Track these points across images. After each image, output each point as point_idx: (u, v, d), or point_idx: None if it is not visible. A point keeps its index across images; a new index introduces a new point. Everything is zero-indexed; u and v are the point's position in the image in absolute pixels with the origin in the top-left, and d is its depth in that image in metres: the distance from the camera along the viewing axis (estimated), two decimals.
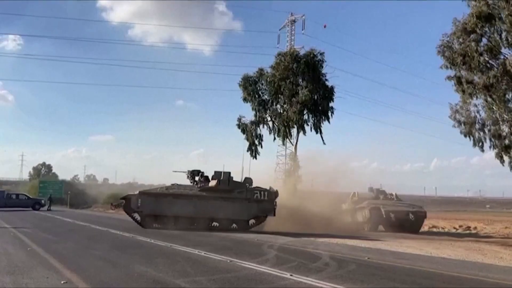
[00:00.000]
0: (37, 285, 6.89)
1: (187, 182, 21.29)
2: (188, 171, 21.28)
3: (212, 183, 20.29)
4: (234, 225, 19.85)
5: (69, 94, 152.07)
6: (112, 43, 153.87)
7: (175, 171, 21.93)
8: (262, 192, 19.74)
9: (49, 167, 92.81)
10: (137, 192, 20.65)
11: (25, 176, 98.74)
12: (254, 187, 20.12)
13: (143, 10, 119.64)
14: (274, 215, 19.84)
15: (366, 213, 23.54)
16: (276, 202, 19.92)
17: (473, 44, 18.06)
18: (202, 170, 21.10)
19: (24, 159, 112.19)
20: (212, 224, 19.81)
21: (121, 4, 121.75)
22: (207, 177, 20.86)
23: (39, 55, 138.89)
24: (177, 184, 21.15)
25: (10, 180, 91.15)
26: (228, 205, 19.49)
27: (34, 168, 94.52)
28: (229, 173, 20.49)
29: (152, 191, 21.05)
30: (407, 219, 22.36)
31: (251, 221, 20.14)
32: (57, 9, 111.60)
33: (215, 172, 20.56)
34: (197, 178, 20.89)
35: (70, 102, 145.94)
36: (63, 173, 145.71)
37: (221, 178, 20.14)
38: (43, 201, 41.29)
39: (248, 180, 20.82)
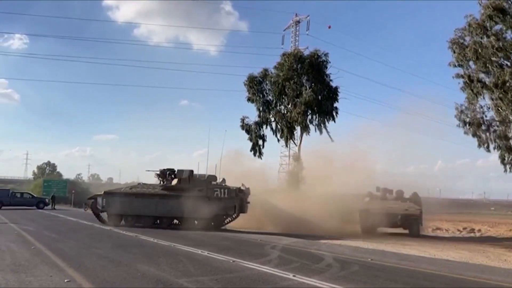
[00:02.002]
0: (41, 283, 6.92)
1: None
2: (160, 170, 21.17)
3: (174, 181, 20.40)
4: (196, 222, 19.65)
5: (74, 93, 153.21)
6: (117, 43, 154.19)
7: (148, 170, 22.02)
8: (222, 190, 19.51)
9: (53, 166, 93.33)
10: (102, 192, 21.21)
11: (30, 175, 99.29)
12: (215, 185, 19.86)
13: (148, 9, 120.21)
14: (240, 212, 19.62)
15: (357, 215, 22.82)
16: (247, 200, 20.00)
17: (486, 39, 17.68)
18: (174, 169, 20.95)
19: (28, 158, 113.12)
20: (174, 222, 19.94)
21: (127, 3, 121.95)
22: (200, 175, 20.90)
23: (44, 54, 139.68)
24: (143, 183, 21.83)
25: (14, 178, 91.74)
26: (188, 203, 19.27)
27: (38, 167, 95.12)
28: (191, 171, 20.42)
29: (116, 191, 21.65)
30: (395, 221, 21.32)
31: (227, 219, 20.24)
32: (62, 8, 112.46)
33: (178, 170, 20.62)
34: (164, 177, 20.92)
35: (75, 101, 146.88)
36: (67, 172, 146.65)
37: (182, 176, 20.23)
38: (47, 200, 41.46)
39: (212, 178, 20.59)
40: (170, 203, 19.68)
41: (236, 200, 19.48)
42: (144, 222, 19.67)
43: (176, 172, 20.76)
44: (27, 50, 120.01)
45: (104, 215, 21.11)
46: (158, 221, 19.92)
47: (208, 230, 18.46)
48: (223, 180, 20.53)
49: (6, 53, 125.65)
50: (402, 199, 22.94)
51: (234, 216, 20.16)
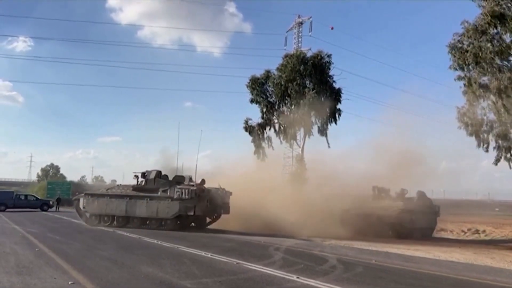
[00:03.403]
0: (45, 285, 6.94)
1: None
2: (142, 172, 21.34)
3: (143, 182, 20.92)
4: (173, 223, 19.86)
5: (78, 95, 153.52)
6: (121, 45, 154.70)
7: (134, 172, 22.04)
8: (183, 190, 19.57)
9: (57, 168, 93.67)
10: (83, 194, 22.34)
11: (34, 177, 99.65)
12: (180, 186, 20.00)
13: (152, 10, 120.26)
14: (197, 214, 19.53)
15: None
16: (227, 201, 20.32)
17: (485, 44, 17.69)
18: (160, 170, 21.31)
19: (32, 160, 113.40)
20: (147, 223, 20.18)
21: (130, 4, 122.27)
22: (165, 176, 21.24)
23: (48, 57, 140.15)
24: (120, 185, 22.93)
25: (19, 181, 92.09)
26: (153, 204, 19.93)
27: (42, 169, 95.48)
28: (157, 171, 20.86)
29: (95, 192, 22.68)
30: (372, 222, 19.94)
31: (209, 220, 20.88)
32: (66, 10, 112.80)
33: (146, 171, 21.06)
34: (141, 178, 21.23)
35: (78, 103, 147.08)
36: (71, 174, 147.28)
37: (149, 177, 20.73)
38: (51, 202, 41.61)
39: (179, 178, 20.92)
40: (138, 204, 20.26)
41: (196, 200, 19.42)
42: (117, 222, 20.45)
43: (162, 174, 21.21)
44: (31, 52, 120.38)
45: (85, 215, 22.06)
46: (130, 222, 20.36)
47: (175, 230, 18.91)
48: (202, 180, 20.63)
49: (11, 56, 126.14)
50: (402, 198, 21.92)
51: (214, 217, 21.04)
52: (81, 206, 22.01)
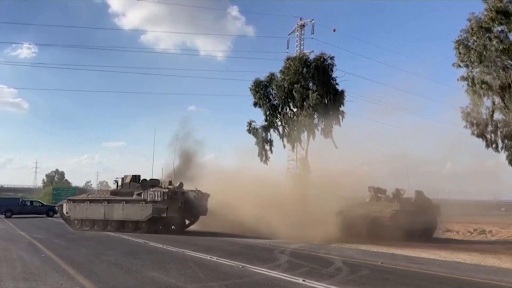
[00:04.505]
0: None
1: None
2: (121, 178, 22.20)
3: (119, 187, 21.83)
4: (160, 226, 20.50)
5: (82, 101, 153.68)
6: (125, 51, 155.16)
7: (117, 178, 23.01)
8: (157, 193, 20.16)
9: (62, 174, 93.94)
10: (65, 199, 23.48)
11: (39, 183, 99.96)
12: (153, 189, 20.60)
13: (155, 15, 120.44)
14: (170, 215, 19.92)
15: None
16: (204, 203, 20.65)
17: (490, 42, 17.58)
18: (137, 175, 22.05)
19: (37, 166, 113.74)
20: (124, 225, 20.69)
21: (133, 9, 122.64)
22: (144, 180, 21.96)
23: (52, 63, 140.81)
24: (100, 190, 24.30)
25: (24, 187, 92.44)
26: (129, 207, 20.67)
27: (47, 175, 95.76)
28: (133, 176, 21.65)
29: (76, 197, 23.85)
30: (366, 224, 19.00)
31: (188, 222, 21.62)
32: (69, 16, 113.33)
33: (124, 175, 21.94)
34: (120, 183, 22.05)
35: (83, 109, 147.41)
36: (76, 180, 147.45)
37: (125, 181, 21.65)
38: (56, 208, 41.72)
39: (153, 181, 21.82)
40: (115, 208, 20.98)
41: (168, 202, 19.92)
42: (98, 226, 21.19)
43: (141, 178, 22.00)
44: (35, 59, 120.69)
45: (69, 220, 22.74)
46: (109, 226, 21.00)
47: (150, 232, 19.41)
48: (181, 184, 21.43)
49: (15, 63, 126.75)
50: (398, 199, 20.65)
51: (193, 219, 21.76)
52: (64, 211, 22.88)
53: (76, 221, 22.02)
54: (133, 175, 21.68)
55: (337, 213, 20.14)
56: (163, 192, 20.03)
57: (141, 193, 20.62)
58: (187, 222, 22.00)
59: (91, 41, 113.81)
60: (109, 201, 21.27)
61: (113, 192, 21.83)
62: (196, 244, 14.92)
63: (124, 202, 20.76)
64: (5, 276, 8.34)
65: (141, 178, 21.95)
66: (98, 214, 21.25)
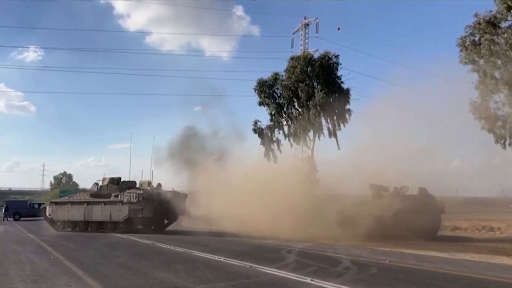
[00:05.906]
0: None
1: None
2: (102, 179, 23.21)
3: (98, 189, 22.65)
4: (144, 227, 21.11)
5: (89, 103, 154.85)
6: (130, 52, 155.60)
7: (98, 180, 24.11)
8: (132, 194, 20.84)
9: (69, 176, 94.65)
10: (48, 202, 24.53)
11: (47, 185, 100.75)
12: (129, 190, 21.24)
13: (160, 15, 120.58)
14: (145, 216, 20.47)
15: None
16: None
17: (498, 37, 17.43)
18: (118, 177, 22.87)
19: (45, 169, 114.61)
20: (103, 226, 21.39)
21: (138, 10, 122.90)
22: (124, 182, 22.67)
23: (58, 66, 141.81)
24: (80, 192, 25.37)
25: (32, 190, 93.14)
26: (107, 208, 21.37)
27: (54, 178, 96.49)
28: (111, 178, 22.43)
29: (59, 200, 24.80)
30: (368, 223, 19.20)
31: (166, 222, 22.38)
32: (74, 19, 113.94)
33: (103, 178, 23.01)
34: (100, 184, 22.93)
35: (89, 111, 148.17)
36: (83, 182, 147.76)
37: (103, 183, 22.49)
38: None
39: (130, 183, 22.45)
40: (94, 209, 21.69)
41: (143, 203, 20.59)
42: (79, 227, 21.95)
43: (121, 180, 22.76)
44: (41, 62, 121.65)
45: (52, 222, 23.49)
46: (89, 227, 21.77)
47: (129, 232, 19.95)
48: (159, 185, 22.21)
49: (22, 67, 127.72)
50: (400, 196, 19.88)
51: (170, 219, 22.45)
52: (47, 213, 23.58)
53: (58, 223, 22.83)
54: (111, 178, 22.54)
55: (337, 212, 20.00)
56: (138, 194, 20.81)
57: (118, 194, 21.34)
58: (165, 221, 22.65)
59: (97, 43, 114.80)
60: (88, 203, 22.05)
61: (93, 194, 22.68)
62: (203, 244, 14.93)
63: (103, 204, 21.56)
64: (14, 278, 8.40)
65: (121, 180, 22.71)
66: (79, 216, 22.06)
